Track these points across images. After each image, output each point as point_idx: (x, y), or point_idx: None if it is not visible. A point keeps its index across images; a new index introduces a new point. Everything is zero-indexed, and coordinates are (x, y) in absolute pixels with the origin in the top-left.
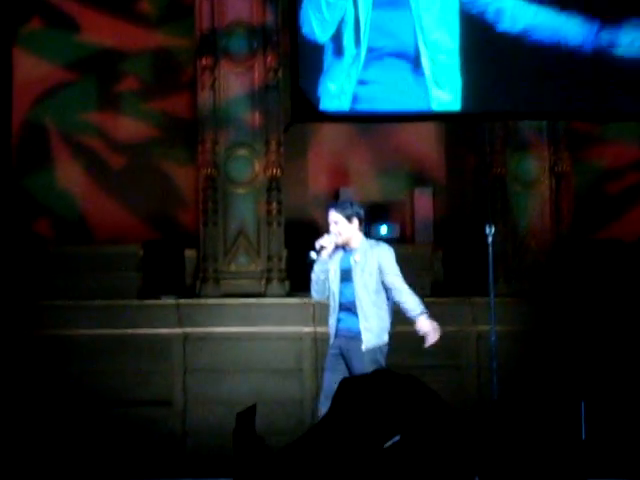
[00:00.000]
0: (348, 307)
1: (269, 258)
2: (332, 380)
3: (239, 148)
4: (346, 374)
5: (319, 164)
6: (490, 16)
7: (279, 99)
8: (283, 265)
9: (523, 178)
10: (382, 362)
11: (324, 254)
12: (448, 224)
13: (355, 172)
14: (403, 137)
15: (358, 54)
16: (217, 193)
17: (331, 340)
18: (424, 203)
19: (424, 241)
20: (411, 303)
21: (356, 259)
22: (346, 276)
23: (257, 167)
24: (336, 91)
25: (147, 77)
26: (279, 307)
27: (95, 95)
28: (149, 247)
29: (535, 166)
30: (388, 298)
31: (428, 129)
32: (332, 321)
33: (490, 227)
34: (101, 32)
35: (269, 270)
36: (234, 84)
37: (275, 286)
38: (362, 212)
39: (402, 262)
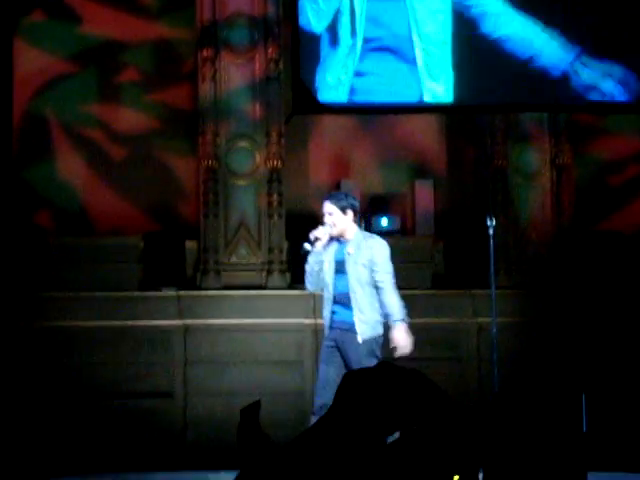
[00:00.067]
0: (342, 299)
1: (270, 250)
2: (327, 372)
3: (240, 140)
4: (341, 366)
5: (320, 156)
6: (475, 16)
7: (280, 91)
8: (284, 257)
9: (524, 170)
10: (378, 353)
11: (318, 245)
12: (449, 216)
13: (356, 164)
14: (404, 129)
15: (354, 44)
16: (218, 185)
17: (326, 332)
18: (425, 195)
19: (425, 233)
20: (394, 307)
21: (349, 251)
22: (340, 268)
23: (258, 159)
24: (333, 82)
25: (148, 68)
26: (280, 299)
27: (96, 86)
28: (150, 239)
29: (536, 158)
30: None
31: (429, 121)
32: (326, 313)
33: (491, 219)
34: (102, 23)
35: (270, 262)
36: (235, 75)
37: (276, 278)
38: (357, 204)
39: (403, 254)
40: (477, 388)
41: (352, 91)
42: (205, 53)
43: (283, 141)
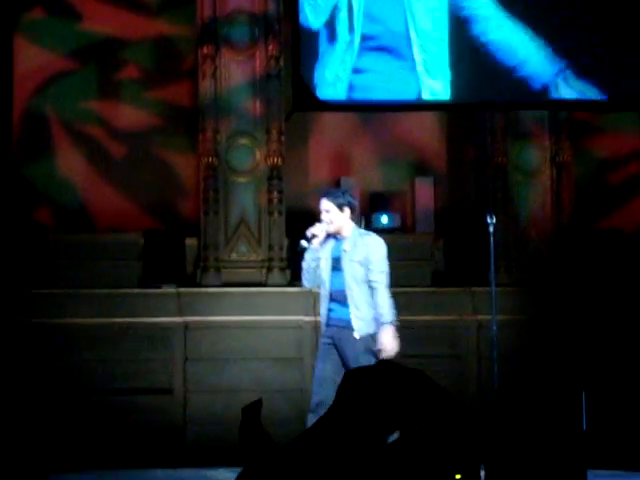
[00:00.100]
0: (338, 296)
1: (270, 247)
2: (324, 369)
3: (240, 137)
4: (338, 363)
5: (320, 153)
6: (467, 18)
7: (280, 88)
8: (284, 254)
9: (524, 168)
10: (375, 350)
11: (315, 242)
12: (449, 214)
13: (356, 161)
14: (404, 126)
15: (352, 41)
16: (218, 182)
17: (322, 329)
18: (425, 193)
19: (425, 231)
20: (384, 309)
21: (345, 248)
22: (336, 265)
23: (258, 156)
24: (331, 78)
25: (148, 65)
26: (280, 296)
27: (96, 83)
28: (150, 236)
29: (536, 156)
30: None
31: (429, 118)
32: (323, 310)
33: (491, 217)
34: (102, 20)
35: (270, 259)
36: (235, 72)
37: (276, 275)
38: (354, 201)
39: (403, 252)
40: (477, 385)
41: (351, 88)
42: (205, 50)
43: (283, 138)
